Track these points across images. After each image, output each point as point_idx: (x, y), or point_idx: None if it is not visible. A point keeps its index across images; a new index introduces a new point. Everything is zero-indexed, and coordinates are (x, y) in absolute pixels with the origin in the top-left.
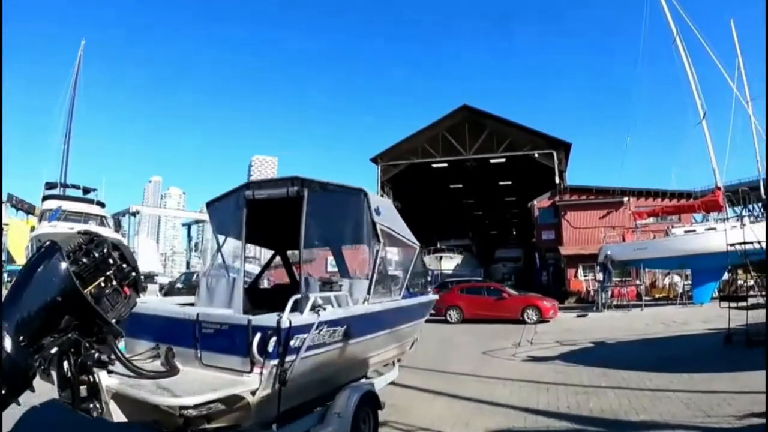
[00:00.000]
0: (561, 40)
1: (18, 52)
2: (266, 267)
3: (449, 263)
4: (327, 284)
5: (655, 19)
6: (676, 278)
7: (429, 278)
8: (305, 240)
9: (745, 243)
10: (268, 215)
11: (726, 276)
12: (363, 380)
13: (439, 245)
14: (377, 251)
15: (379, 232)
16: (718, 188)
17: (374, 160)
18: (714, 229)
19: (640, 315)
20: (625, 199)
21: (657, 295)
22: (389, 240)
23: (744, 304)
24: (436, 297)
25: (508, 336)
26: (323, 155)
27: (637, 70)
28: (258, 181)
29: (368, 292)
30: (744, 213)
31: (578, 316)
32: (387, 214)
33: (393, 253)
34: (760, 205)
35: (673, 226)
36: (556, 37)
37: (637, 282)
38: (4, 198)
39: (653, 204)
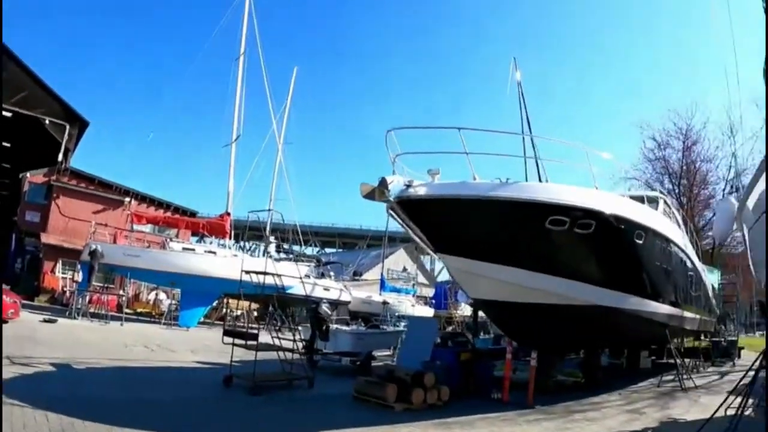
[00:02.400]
0: None
1: None
2: None
3: None
4: None
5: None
6: (162, 295)
7: None
8: None
9: (260, 273)
10: None
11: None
12: None
13: None
14: None
15: None
16: (228, 214)
17: None
18: (214, 253)
19: (121, 330)
20: (127, 199)
21: (140, 309)
22: None
23: (253, 343)
24: None
25: None
26: None
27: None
28: None
29: None
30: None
31: (46, 321)
32: None
33: None
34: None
35: (171, 240)
36: None
37: (121, 292)
38: None
39: (156, 213)
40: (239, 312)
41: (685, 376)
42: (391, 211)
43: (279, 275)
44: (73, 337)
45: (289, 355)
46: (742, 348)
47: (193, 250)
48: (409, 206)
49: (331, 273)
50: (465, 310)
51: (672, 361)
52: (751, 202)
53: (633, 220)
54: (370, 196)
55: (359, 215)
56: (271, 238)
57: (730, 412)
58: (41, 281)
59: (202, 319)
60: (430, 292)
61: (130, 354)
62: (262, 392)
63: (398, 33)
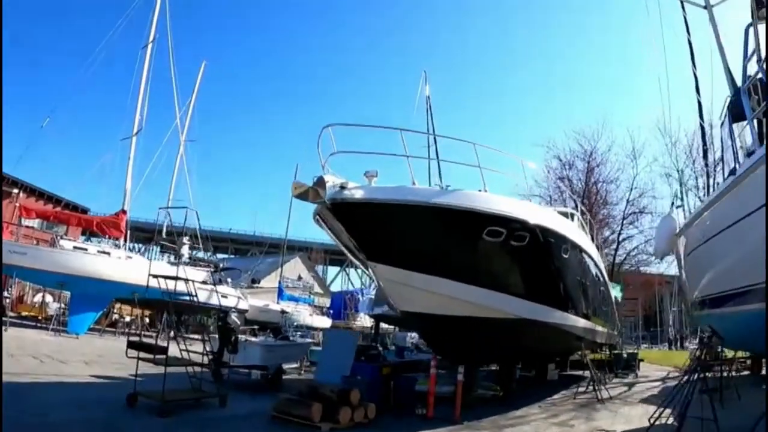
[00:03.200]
0: None
1: None
2: None
3: None
4: None
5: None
6: (49, 297)
7: None
8: None
9: (170, 278)
10: None
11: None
12: None
13: None
14: None
15: None
16: (123, 211)
17: None
18: (108, 253)
19: (4, 336)
20: (15, 191)
21: (24, 313)
22: None
23: (162, 357)
24: None
25: None
26: None
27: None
28: None
29: None
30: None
31: None
32: None
33: None
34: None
35: (61, 237)
36: None
37: (6, 293)
38: None
39: (46, 208)
40: (129, 318)
41: (597, 388)
42: (318, 216)
43: (191, 281)
44: None
45: (197, 369)
46: (642, 360)
47: (86, 249)
48: (342, 210)
49: (228, 279)
50: (364, 321)
51: (576, 372)
52: (695, 231)
53: (562, 234)
54: (302, 196)
55: (253, 221)
56: (185, 239)
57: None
58: None
59: (92, 325)
60: (325, 301)
61: (18, 366)
62: (171, 413)
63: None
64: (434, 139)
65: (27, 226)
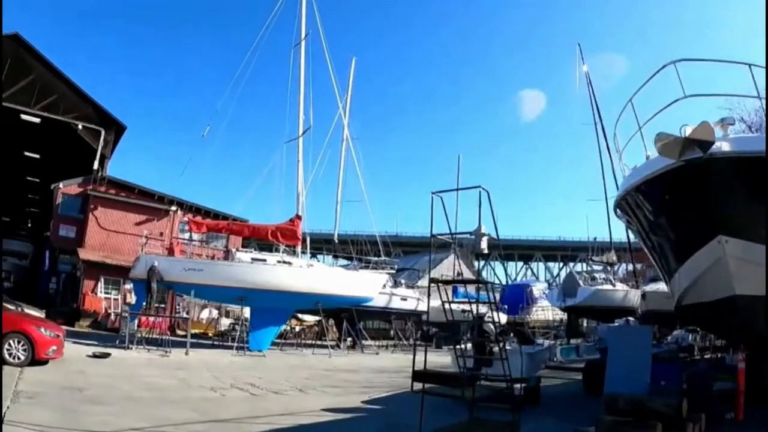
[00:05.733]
0: None
1: None
2: None
3: None
4: None
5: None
6: (215, 312)
7: None
8: None
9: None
10: None
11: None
12: None
13: None
14: None
15: None
16: (299, 217)
17: None
18: (289, 263)
19: (189, 363)
20: (173, 208)
21: (194, 330)
22: None
23: (470, 394)
24: None
25: None
26: None
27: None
28: None
29: None
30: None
31: (97, 356)
32: None
33: None
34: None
35: (237, 250)
36: None
37: (185, 314)
38: None
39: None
40: (299, 328)
41: None
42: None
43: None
44: (137, 380)
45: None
46: None
47: (264, 260)
48: (719, 169)
49: (402, 281)
50: (537, 314)
51: None
52: None
53: None
54: (668, 150)
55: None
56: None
57: None
58: (81, 303)
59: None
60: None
61: (229, 404)
62: None
63: None
64: None
65: (181, 239)
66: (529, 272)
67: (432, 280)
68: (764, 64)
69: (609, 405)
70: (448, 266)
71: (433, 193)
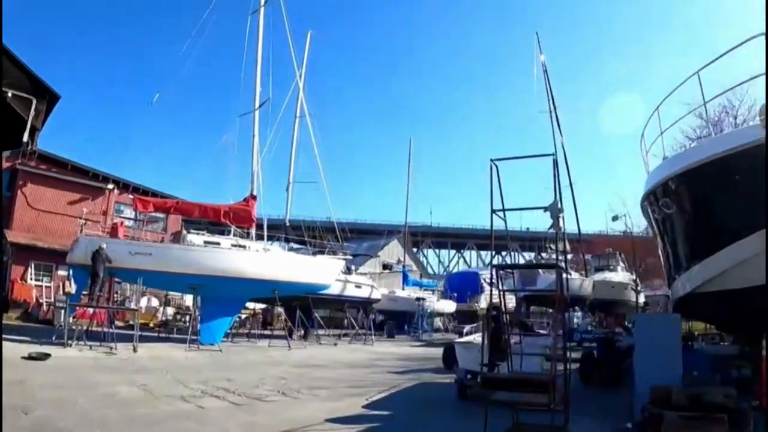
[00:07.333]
0: None
1: None
2: None
3: None
4: None
5: None
6: (155, 301)
7: None
8: None
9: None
10: None
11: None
12: None
13: None
14: None
15: None
16: (253, 197)
17: None
18: (244, 247)
19: (141, 362)
20: (110, 186)
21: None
22: None
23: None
24: None
25: None
26: None
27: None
28: None
29: None
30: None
31: (34, 357)
32: None
33: None
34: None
35: (189, 232)
36: None
37: (133, 305)
38: None
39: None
40: (243, 316)
41: None
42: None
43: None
44: (92, 391)
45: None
46: None
47: (218, 244)
48: None
49: (352, 267)
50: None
51: None
52: None
53: None
54: None
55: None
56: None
57: None
58: (10, 292)
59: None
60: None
61: (213, 420)
62: None
63: None
64: None
65: (125, 219)
66: (461, 261)
67: (496, 266)
68: (764, 64)
69: (658, 399)
70: (388, 252)
71: (492, 160)
